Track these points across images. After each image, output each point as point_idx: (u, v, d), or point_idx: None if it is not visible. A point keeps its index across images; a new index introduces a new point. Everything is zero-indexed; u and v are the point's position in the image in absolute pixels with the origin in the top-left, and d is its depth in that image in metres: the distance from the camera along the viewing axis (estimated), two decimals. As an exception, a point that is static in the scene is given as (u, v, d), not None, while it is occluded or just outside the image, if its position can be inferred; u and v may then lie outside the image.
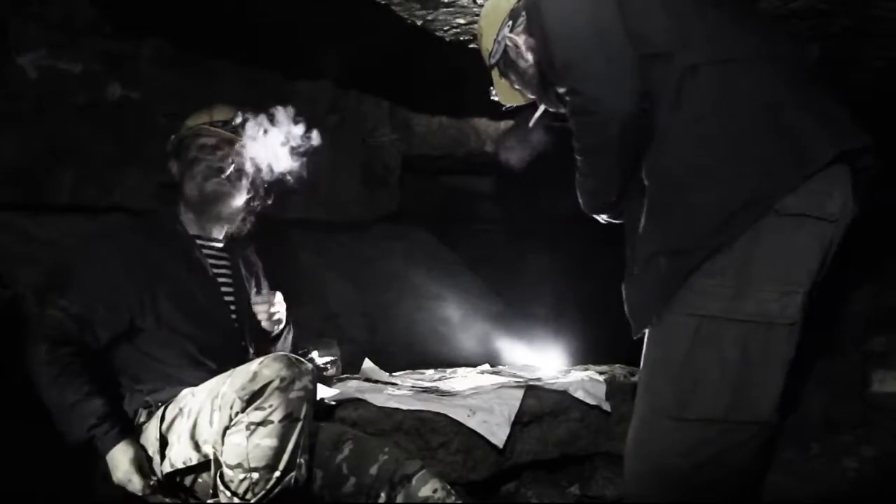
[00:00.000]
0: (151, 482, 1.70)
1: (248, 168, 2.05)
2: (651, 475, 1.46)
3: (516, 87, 1.87)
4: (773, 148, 1.40)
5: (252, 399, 1.55)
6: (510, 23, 1.79)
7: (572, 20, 1.51)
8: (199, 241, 2.04)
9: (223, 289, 2.03)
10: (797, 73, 1.51)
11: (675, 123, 1.46)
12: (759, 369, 1.40)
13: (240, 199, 2.06)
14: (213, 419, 1.60)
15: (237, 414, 1.56)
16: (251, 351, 2.01)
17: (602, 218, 1.75)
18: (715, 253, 1.38)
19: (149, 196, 2.77)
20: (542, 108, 1.92)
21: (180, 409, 1.72)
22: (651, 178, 1.49)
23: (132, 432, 1.77)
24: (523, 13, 1.76)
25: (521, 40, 1.78)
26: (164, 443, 1.72)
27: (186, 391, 1.76)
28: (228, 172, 2.02)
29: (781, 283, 1.39)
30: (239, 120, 2.02)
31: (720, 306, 1.39)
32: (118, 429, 1.71)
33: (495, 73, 1.90)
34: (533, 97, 1.89)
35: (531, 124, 1.97)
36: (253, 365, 1.60)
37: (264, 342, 2.10)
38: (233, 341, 1.97)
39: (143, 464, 1.71)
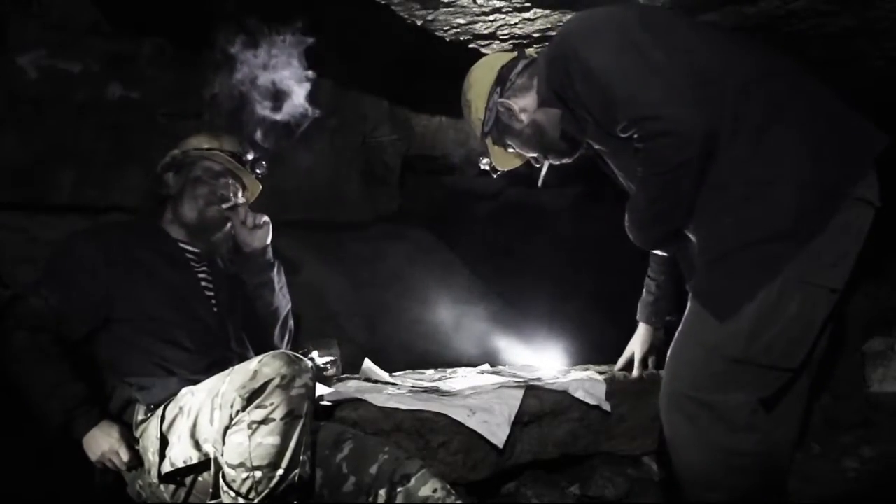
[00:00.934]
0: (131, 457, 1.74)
1: (242, 201, 2.14)
2: (698, 404, 1.64)
3: (511, 150, 1.93)
4: (842, 141, 1.58)
5: (252, 397, 1.55)
6: (498, 89, 1.89)
7: (624, 57, 1.58)
8: (180, 245, 2.08)
9: (203, 283, 2.06)
10: (817, 83, 1.66)
11: (737, 134, 1.57)
12: (805, 325, 1.61)
13: (228, 228, 2.13)
14: (214, 418, 1.60)
15: (238, 413, 1.56)
16: (233, 340, 2.03)
17: (657, 250, 1.85)
18: (818, 234, 1.54)
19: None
20: (546, 164, 1.97)
21: (180, 409, 1.72)
22: (726, 181, 1.59)
23: (111, 416, 1.80)
24: (515, 79, 1.87)
25: (513, 103, 1.82)
26: (164, 442, 1.72)
27: (186, 390, 1.76)
28: (230, 203, 2.08)
29: (835, 255, 1.58)
30: (250, 157, 2.12)
31: (792, 265, 1.55)
32: (97, 410, 1.76)
33: (489, 142, 1.98)
34: (533, 155, 1.94)
35: (540, 184, 2.02)
36: (253, 363, 1.60)
37: (261, 329, 2.13)
38: (214, 329, 2.00)
39: (128, 438, 1.75)
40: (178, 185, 2.09)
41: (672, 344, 1.76)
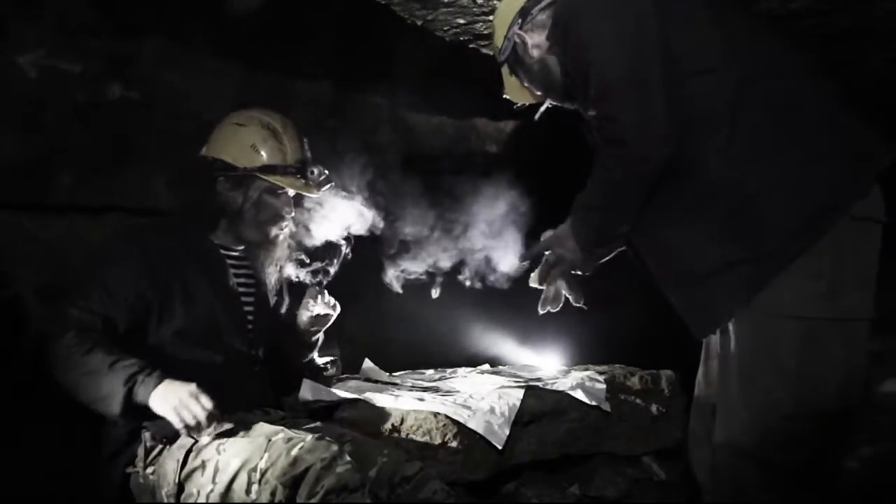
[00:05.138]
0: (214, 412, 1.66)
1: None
2: (760, 469, 1.52)
3: (525, 84, 1.88)
4: (840, 156, 1.48)
5: (295, 484, 1.57)
6: (520, 20, 1.80)
7: (614, 44, 1.49)
8: (223, 251, 2.00)
9: (243, 298, 2.00)
10: (831, 86, 1.58)
11: (734, 136, 1.49)
12: (854, 362, 1.51)
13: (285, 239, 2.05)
14: (252, 490, 1.61)
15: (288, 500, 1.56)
16: (258, 363, 2.02)
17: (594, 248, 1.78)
18: (798, 257, 1.45)
19: (149, 196, 2.77)
20: (546, 104, 1.92)
21: (203, 463, 1.70)
22: (714, 190, 1.51)
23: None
24: (536, 13, 1.77)
25: (528, 37, 1.80)
26: (181, 489, 1.70)
27: (207, 440, 1.72)
28: (290, 218, 2.01)
29: (861, 282, 1.50)
30: (315, 171, 1.97)
31: (820, 307, 1.47)
32: (158, 372, 1.67)
33: (505, 71, 1.91)
34: (538, 93, 1.89)
35: (536, 118, 1.97)
36: (294, 449, 1.62)
37: (297, 350, 2.14)
38: (243, 354, 1.97)
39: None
40: (236, 202, 1.95)
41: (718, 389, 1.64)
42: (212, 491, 1.66)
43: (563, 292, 1.95)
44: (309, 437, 1.66)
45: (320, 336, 2.20)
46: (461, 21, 2.18)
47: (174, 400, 1.63)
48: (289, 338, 2.14)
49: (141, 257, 1.83)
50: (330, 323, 2.15)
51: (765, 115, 1.49)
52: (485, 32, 2.25)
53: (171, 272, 1.86)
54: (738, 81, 1.49)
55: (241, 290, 2.00)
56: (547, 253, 1.86)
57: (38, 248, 2.59)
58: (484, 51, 2.39)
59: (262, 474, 1.61)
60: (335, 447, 1.62)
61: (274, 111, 2.02)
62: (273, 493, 1.58)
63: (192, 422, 1.63)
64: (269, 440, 1.67)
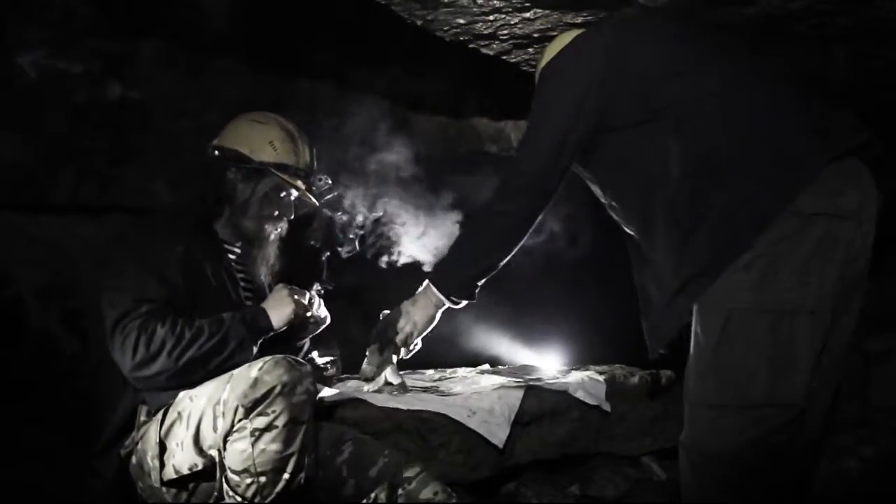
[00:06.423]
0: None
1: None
2: (703, 464, 1.55)
3: None
4: (777, 158, 1.51)
5: (254, 406, 1.55)
6: None
7: (546, 117, 1.75)
8: (226, 246, 2.03)
9: (244, 294, 2.02)
10: (788, 83, 1.63)
11: (682, 161, 1.57)
12: (788, 356, 1.48)
13: (274, 239, 2.09)
14: (217, 425, 1.60)
15: (240, 420, 1.55)
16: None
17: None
18: (735, 259, 1.48)
19: (149, 196, 2.77)
20: None
21: (178, 414, 1.70)
22: (665, 217, 1.59)
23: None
24: None
25: None
26: (162, 448, 1.70)
27: (183, 394, 1.74)
28: (286, 220, 2.06)
29: (798, 275, 1.47)
30: (321, 181, 2.09)
31: (746, 298, 1.48)
32: (251, 305, 1.92)
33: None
34: None
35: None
36: (253, 370, 1.59)
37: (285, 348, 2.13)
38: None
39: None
40: (244, 194, 1.97)
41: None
42: (185, 439, 1.65)
43: (388, 375, 2.22)
44: (270, 358, 1.61)
45: (306, 342, 2.21)
46: (461, 21, 2.18)
47: (286, 302, 1.89)
48: (280, 337, 2.14)
49: (174, 247, 1.84)
50: (318, 331, 2.17)
51: (712, 136, 1.56)
52: (485, 32, 2.25)
53: (195, 264, 1.87)
54: (690, 108, 1.58)
55: (243, 285, 2.03)
56: (383, 331, 2.10)
57: (38, 248, 2.59)
58: (484, 51, 2.40)
59: (225, 404, 1.57)
60: (298, 372, 1.58)
61: (287, 118, 2.09)
62: (234, 413, 1.54)
63: (307, 304, 1.95)
64: (232, 374, 1.63)
